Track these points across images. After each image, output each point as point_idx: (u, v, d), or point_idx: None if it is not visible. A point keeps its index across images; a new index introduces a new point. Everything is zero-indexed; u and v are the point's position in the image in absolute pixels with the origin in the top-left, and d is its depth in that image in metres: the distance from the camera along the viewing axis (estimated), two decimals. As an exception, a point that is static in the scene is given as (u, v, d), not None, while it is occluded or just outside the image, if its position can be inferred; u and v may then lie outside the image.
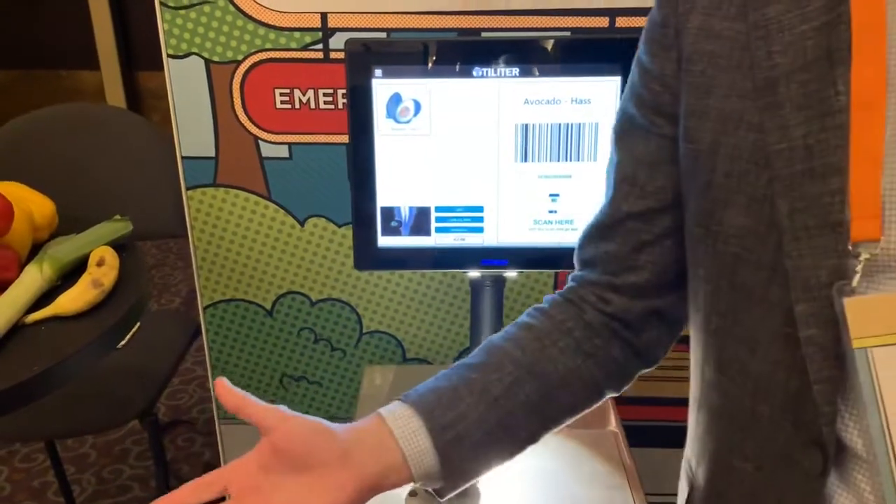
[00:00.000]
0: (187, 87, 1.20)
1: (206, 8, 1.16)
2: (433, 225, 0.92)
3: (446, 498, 0.63)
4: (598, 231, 0.67)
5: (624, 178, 0.64)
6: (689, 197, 0.60)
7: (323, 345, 1.39)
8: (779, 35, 0.52)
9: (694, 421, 0.66)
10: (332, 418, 0.61)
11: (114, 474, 2.03)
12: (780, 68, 0.52)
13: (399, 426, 0.59)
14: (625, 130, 0.65)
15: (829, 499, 0.54)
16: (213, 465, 1.59)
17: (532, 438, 0.65)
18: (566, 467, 0.99)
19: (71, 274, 0.91)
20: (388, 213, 0.93)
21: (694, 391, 0.66)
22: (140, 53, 4.33)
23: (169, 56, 1.19)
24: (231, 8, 1.15)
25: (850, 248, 0.49)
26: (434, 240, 0.93)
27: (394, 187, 0.92)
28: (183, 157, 1.25)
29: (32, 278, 0.85)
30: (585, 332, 0.65)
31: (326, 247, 1.30)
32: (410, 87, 0.89)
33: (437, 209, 0.92)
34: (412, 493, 0.82)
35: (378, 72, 0.88)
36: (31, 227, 0.93)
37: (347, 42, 0.90)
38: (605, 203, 0.67)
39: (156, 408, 1.33)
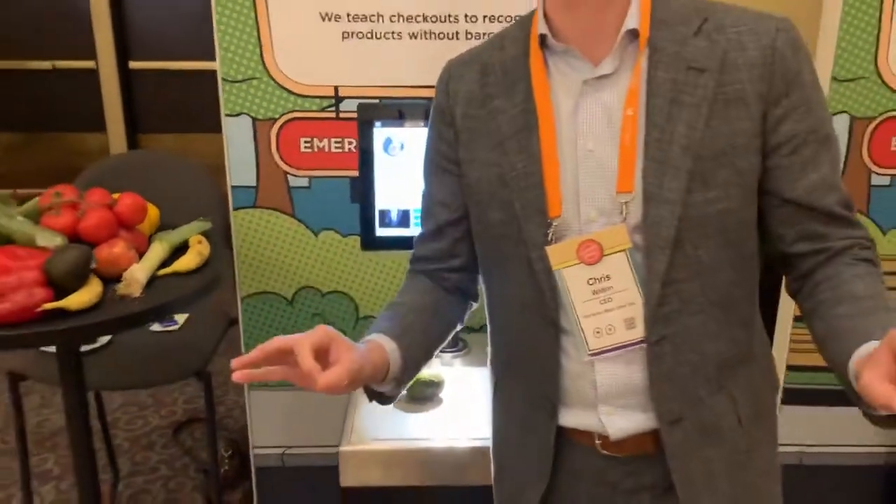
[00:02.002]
0: (238, 136, 1.76)
1: (254, 82, 1.72)
2: (412, 220, 1.47)
3: (390, 405, 1.05)
4: (429, 237, 1.09)
5: (437, 201, 1.07)
6: (470, 207, 1.03)
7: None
8: (501, 116, 0.98)
9: (491, 327, 1.09)
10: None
11: (145, 459, 2.53)
12: (504, 134, 0.97)
13: (386, 343, 0.98)
14: (431, 170, 1.07)
15: (560, 345, 0.98)
16: (244, 428, 2.09)
17: (434, 349, 1.08)
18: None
19: (175, 252, 1.45)
20: (383, 213, 1.48)
21: (488, 312, 1.09)
22: (144, 117, 4.86)
23: (226, 115, 1.75)
24: (271, 82, 1.72)
25: (549, 221, 0.94)
26: (413, 230, 1.48)
27: (386, 196, 1.47)
28: (232, 186, 1.79)
29: (158, 250, 1.38)
30: (441, 289, 1.10)
31: (334, 252, 1.84)
32: (397, 133, 1.45)
33: (415, 210, 1.47)
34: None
35: (378, 123, 1.45)
36: (149, 222, 1.46)
37: (359, 105, 1.47)
38: (427, 218, 1.09)
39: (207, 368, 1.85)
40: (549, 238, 0.94)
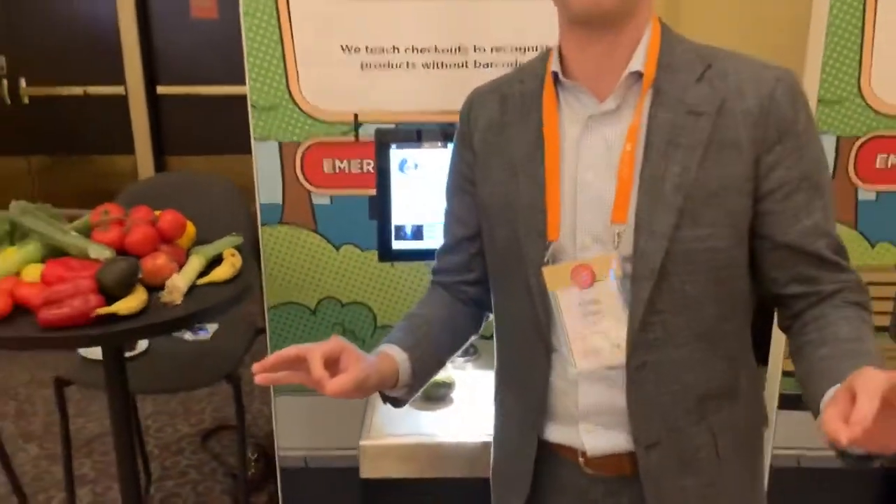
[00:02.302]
0: (266, 159, 1.91)
1: (280, 109, 1.88)
2: (426, 234, 1.62)
3: (402, 406, 1.12)
4: (447, 250, 1.19)
5: (456, 218, 1.16)
6: (482, 224, 1.11)
7: (349, 335, 2.05)
8: (515, 142, 1.05)
9: (495, 339, 1.16)
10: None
11: (174, 464, 2.67)
12: (515, 159, 1.04)
13: (397, 353, 1.07)
14: (451, 189, 1.17)
15: (550, 362, 1.05)
16: (272, 433, 2.23)
17: (446, 359, 1.17)
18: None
19: (210, 264, 1.60)
20: (399, 228, 1.63)
21: (494, 325, 1.17)
22: (171, 140, 5.05)
23: (255, 139, 1.91)
24: (296, 109, 1.88)
25: (547, 243, 1.01)
26: (426, 243, 1.63)
27: (401, 212, 1.62)
28: (260, 204, 1.95)
29: (196, 262, 1.54)
30: (457, 302, 1.19)
31: (354, 264, 1.98)
32: (412, 154, 1.60)
33: (428, 225, 1.62)
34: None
35: (394, 146, 1.60)
36: (187, 237, 1.62)
37: (377, 130, 1.62)
38: (447, 233, 1.18)
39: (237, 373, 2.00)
40: (547, 260, 1.01)
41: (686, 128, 0.96)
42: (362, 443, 1.51)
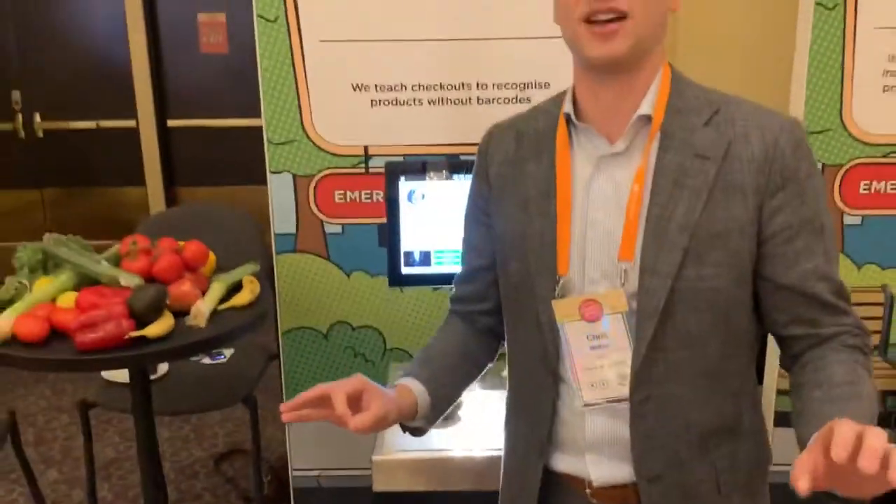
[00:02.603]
0: (281, 190, 2.03)
1: (295, 144, 2.00)
2: (433, 260, 1.72)
3: (423, 435, 1.17)
4: (464, 278, 1.24)
5: (472, 247, 1.21)
6: (497, 255, 1.15)
7: (360, 358, 2.15)
8: (529, 178, 1.09)
9: (508, 368, 1.20)
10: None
11: (190, 487, 2.76)
12: (530, 193, 1.08)
13: (415, 386, 1.12)
14: (469, 220, 1.21)
15: (558, 393, 1.09)
16: (284, 456, 2.32)
17: (463, 389, 1.23)
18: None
19: (231, 291, 1.71)
20: (408, 254, 1.73)
21: (507, 355, 1.20)
22: (180, 171, 5.17)
23: (270, 172, 2.02)
24: (310, 143, 2.00)
25: (557, 278, 1.05)
26: (433, 269, 1.73)
27: (410, 239, 1.72)
28: (275, 234, 2.06)
29: (218, 289, 1.64)
30: (472, 331, 1.24)
31: (364, 290, 2.09)
32: (419, 185, 1.71)
33: (435, 252, 1.72)
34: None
35: (402, 177, 1.71)
36: (209, 265, 1.73)
37: (387, 163, 1.74)
38: (464, 262, 1.23)
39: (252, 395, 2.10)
40: (556, 293, 1.05)
41: (692, 170, 1.00)
42: (375, 457, 1.60)
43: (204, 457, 2.93)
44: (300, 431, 2.17)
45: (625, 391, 1.03)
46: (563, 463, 1.12)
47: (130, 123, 4.99)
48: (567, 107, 1.08)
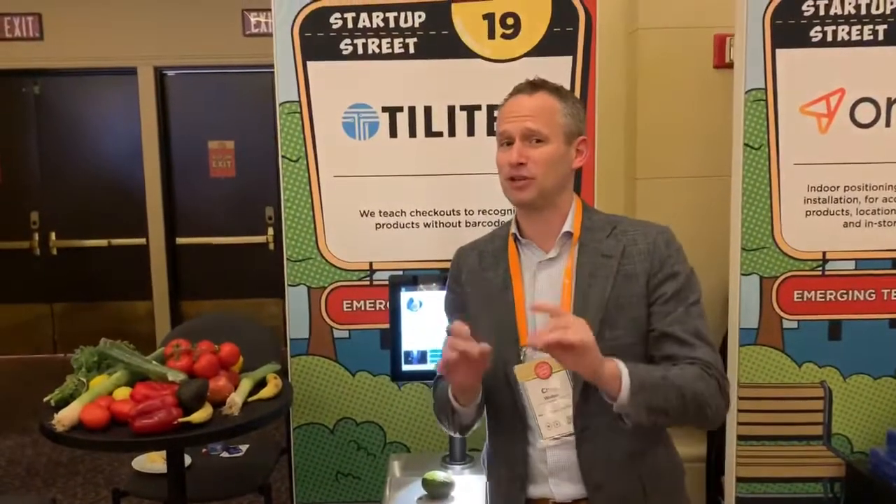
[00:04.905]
0: (296, 301, 2.39)
1: (309, 261, 2.38)
2: (428, 358, 2.07)
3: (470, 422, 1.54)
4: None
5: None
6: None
7: (363, 452, 2.44)
8: (491, 282, 1.54)
9: (487, 425, 1.58)
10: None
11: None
12: (492, 293, 1.53)
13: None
14: (449, 314, 1.61)
15: (525, 437, 1.48)
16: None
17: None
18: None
19: (256, 386, 2.04)
20: (407, 354, 2.08)
21: (486, 415, 1.58)
22: (185, 286, 5.51)
23: (289, 285, 2.39)
24: (323, 260, 2.37)
25: (520, 348, 1.48)
26: (428, 366, 2.07)
27: (409, 341, 2.07)
28: (290, 339, 2.40)
29: (247, 384, 1.97)
30: None
31: (367, 388, 2.41)
32: (417, 295, 2.08)
33: (431, 351, 2.07)
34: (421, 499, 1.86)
35: (402, 289, 2.08)
36: (238, 364, 2.06)
37: (390, 277, 2.11)
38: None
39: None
40: (521, 359, 1.47)
41: (601, 266, 1.47)
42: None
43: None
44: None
45: (570, 427, 1.45)
46: (535, 490, 1.50)
47: (141, 241, 5.39)
48: (514, 228, 1.55)
